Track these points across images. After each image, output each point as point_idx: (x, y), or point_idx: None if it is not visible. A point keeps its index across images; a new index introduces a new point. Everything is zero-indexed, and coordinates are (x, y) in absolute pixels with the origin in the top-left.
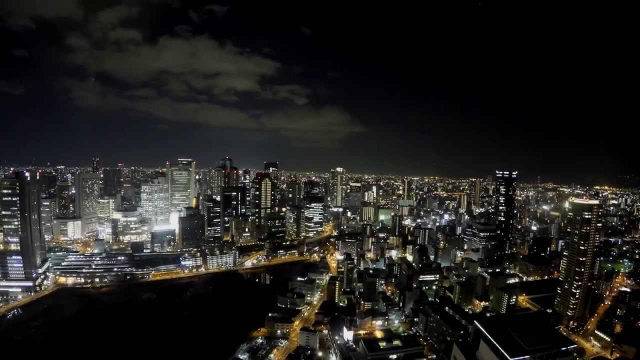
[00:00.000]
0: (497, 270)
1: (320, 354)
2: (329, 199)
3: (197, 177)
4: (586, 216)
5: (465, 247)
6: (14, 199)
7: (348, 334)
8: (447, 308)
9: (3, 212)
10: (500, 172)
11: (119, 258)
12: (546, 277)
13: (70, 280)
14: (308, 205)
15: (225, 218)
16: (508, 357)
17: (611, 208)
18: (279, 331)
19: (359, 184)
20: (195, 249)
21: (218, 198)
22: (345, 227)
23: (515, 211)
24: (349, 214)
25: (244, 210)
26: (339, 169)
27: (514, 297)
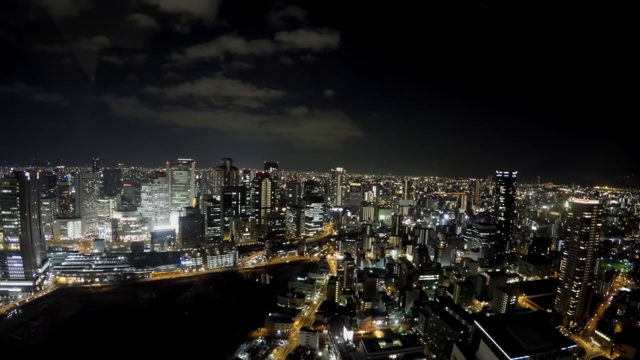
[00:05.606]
0: (497, 270)
1: (320, 354)
2: (329, 199)
3: (197, 177)
4: (586, 216)
5: (465, 247)
6: (14, 199)
7: (348, 334)
8: (447, 308)
9: (3, 212)
10: (500, 172)
11: (119, 258)
12: (546, 277)
13: (70, 280)
14: (308, 205)
15: (225, 218)
16: (508, 357)
17: (611, 208)
18: (279, 331)
19: (359, 184)
20: (195, 249)
21: (218, 198)
22: (345, 227)
23: (515, 211)
24: (349, 214)
25: (244, 210)
26: (339, 169)
27: (514, 297)
